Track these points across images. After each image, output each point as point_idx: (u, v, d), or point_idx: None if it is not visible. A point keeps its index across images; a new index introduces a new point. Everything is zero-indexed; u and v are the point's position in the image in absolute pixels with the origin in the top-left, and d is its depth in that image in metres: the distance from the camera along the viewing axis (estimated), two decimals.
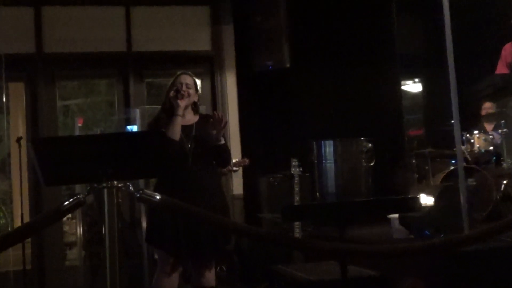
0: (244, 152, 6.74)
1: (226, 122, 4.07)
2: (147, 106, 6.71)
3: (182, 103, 3.99)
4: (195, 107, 4.16)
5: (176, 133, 3.92)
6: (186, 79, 4.10)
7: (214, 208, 3.88)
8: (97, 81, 9.51)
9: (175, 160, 3.76)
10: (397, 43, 7.20)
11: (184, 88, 4.03)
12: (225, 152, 4.11)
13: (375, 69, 7.06)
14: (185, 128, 4.00)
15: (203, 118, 4.13)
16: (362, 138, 5.71)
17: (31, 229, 2.59)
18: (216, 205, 3.95)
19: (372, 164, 5.71)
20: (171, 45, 7.03)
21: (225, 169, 5.36)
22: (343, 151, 5.70)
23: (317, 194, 5.85)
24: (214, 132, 3.95)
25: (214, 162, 4.13)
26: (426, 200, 4.85)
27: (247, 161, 6.00)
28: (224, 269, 6.10)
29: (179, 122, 3.96)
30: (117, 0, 6.95)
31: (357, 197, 5.40)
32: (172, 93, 4.03)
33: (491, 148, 5.77)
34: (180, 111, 3.97)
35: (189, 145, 3.97)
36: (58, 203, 2.35)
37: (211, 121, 3.96)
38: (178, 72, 4.17)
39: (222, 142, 4.02)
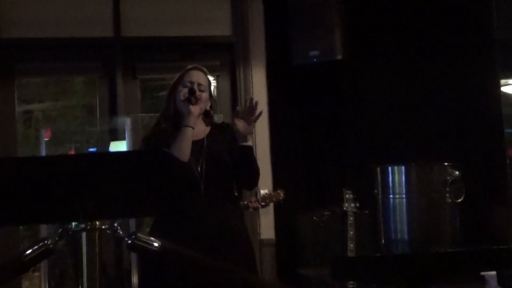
0: (277, 179, 6.72)
1: (261, 112, 4.01)
2: (141, 114, 6.74)
3: (195, 109, 3.97)
4: (206, 117, 4.15)
5: (185, 152, 3.90)
6: (199, 76, 4.10)
7: (235, 258, 3.89)
8: (71, 78, 9.57)
9: (182, 190, 3.75)
10: (496, 27, 7.16)
11: (196, 88, 4.01)
12: (252, 158, 4.06)
13: (463, 65, 7.02)
14: (194, 145, 3.99)
15: (217, 128, 4.13)
16: (446, 163, 5.67)
17: None
18: (238, 254, 3.96)
19: (460, 199, 5.67)
20: (176, 29, 7.04)
21: (251, 204, 5.32)
22: (420, 180, 5.63)
23: (382, 240, 5.81)
24: (241, 127, 3.91)
25: (236, 183, 4.11)
26: None
27: (281, 194, 5.92)
28: None
29: (190, 136, 3.94)
30: None
31: (439, 246, 5.35)
32: (182, 95, 4.01)
33: None
34: (192, 121, 3.95)
35: (199, 168, 3.96)
36: (17, 250, 2.35)
37: (237, 112, 3.94)
38: (188, 67, 4.17)
39: (249, 143, 3.98)
